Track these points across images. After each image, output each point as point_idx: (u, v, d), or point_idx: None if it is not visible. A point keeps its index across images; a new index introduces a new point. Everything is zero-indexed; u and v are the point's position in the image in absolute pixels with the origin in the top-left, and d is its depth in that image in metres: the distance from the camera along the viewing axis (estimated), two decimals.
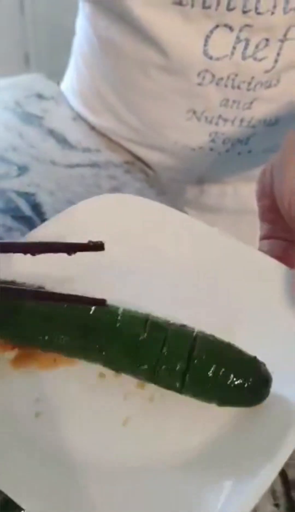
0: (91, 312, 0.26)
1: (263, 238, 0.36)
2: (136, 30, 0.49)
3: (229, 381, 0.25)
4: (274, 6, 0.44)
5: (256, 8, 0.44)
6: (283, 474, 0.32)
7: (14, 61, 2.26)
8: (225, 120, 0.53)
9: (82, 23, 0.59)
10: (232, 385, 0.25)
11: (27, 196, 0.49)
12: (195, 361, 0.25)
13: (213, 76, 0.49)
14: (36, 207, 0.49)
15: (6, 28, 2.12)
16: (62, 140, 0.59)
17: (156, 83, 0.53)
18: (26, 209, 0.48)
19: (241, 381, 0.25)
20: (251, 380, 0.25)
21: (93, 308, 0.26)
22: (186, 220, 0.34)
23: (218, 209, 0.63)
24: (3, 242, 0.26)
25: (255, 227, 0.37)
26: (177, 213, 0.34)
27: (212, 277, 0.31)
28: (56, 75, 0.72)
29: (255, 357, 0.26)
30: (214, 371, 0.25)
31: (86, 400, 0.26)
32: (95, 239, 0.25)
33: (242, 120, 0.53)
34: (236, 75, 0.49)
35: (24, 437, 0.24)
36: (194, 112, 0.53)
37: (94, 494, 0.21)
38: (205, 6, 0.44)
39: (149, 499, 0.22)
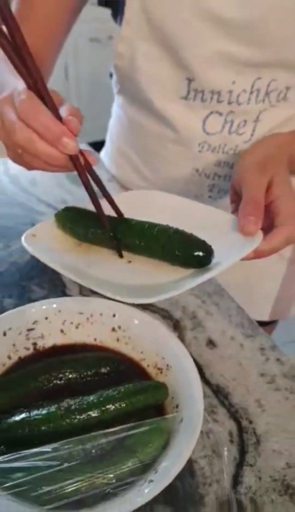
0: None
1: (231, 212, 0.56)
2: (156, 115, 0.69)
3: (190, 251, 0.48)
4: (249, 99, 0.63)
5: (237, 101, 0.63)
6: (238, 423, 0.48)
7: None
8: (219, 176, 0.71)
9: (116, 108, 0.80)
10: (191, 254, 0.48)
11: None
12: (171, 239, 0.49)
13: (209, 145, 0.68)
14: None
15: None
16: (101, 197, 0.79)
17: (169, 151, 0.72)
18: None
19: (196, 252, 0.48)
20: (201, 252, 0.48)
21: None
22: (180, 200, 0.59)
23: None
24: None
25: None
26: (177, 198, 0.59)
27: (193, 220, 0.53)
28: (95, 134, 0.92)
29: (204, 240, 0.48)
30: (180, 247, 0.49)
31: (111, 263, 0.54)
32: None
33: (231, 176, 0.71)
34: (225, 144, 0.67)
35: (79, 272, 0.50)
36: (197, 170, 0.71)
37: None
38: (203, 100, 0.64)
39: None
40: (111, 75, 0.75)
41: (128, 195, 0.62)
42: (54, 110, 0.42)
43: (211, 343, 0.56)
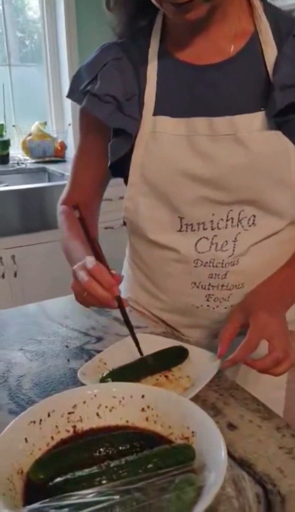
0: None
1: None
2: (158, 244, 0.85)
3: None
4: (226, 225, 0.80)
5: (218, 227, 0.80)
6: (263, 487, 0.52)
7: None
8: (213, 286, 0.84)
9: (128, 249, 0.97)
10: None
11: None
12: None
13: (202, 261, 0.83)
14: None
15: None
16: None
17: (173, 268, 0.86)
18: None
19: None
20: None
21: None
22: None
23: None
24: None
25: None
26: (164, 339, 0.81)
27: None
28: None
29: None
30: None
31: None
32: None
33: (222, 286, 0.84)
34: (213, 259, 0.82)
35: None
36: (195, 283, 0.85)
37: None
38: (192, 230, 0.81)
39: None
40: (124, 223, 0.94)
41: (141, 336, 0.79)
42: (107, 269, 0.70)
43: (231, 425, 0.62)
